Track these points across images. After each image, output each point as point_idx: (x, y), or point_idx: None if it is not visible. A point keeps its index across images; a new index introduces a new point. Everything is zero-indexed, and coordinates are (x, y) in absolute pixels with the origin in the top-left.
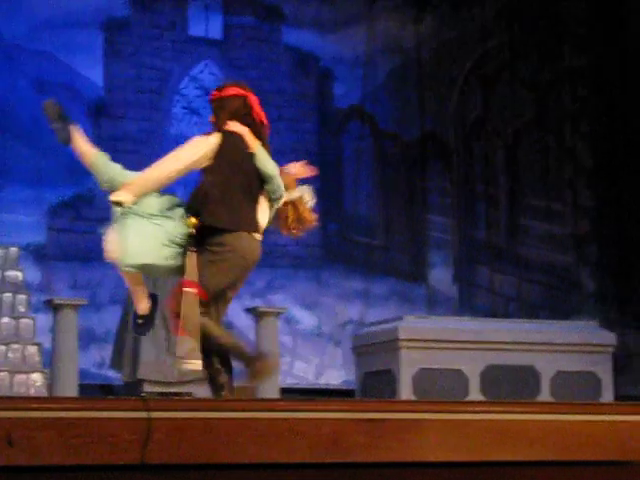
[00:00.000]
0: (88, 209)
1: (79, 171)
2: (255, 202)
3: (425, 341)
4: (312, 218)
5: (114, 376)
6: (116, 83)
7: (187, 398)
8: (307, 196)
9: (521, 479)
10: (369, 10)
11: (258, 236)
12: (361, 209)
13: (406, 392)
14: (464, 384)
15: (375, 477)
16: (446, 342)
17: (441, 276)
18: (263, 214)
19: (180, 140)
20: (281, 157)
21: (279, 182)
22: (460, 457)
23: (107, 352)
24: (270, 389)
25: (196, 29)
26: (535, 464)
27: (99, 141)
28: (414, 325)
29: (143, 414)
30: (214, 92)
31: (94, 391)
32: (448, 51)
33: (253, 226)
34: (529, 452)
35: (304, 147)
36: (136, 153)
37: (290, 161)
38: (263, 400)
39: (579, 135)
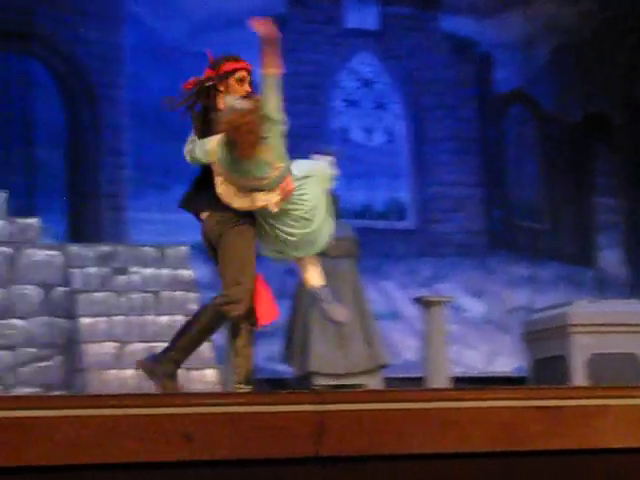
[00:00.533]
0: None
1: None
2: (200, 183)
3: (596, 325)
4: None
5: (284, 370)
6: None
7: (359, 390)
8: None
9: None
10: None
11: (203, 214)
12: (525, 194)
13: (578, 378)
14: (638, 368)
15: (553, 465)
16: (618, 326)
17: (611, 258)
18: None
19: (340, 134)
20: (441, 144)
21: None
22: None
23: (276, 346)
24: (440, 378)
25: (352, 21)
26: None
27: None
28: (585, 309)
29: (317, 407)
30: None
31: (265, 385)
32: (610, 29)
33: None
34: None
35: (465, 134)
36: (297, 149)
37: (451, 149)
38: (435, 390)
39: None
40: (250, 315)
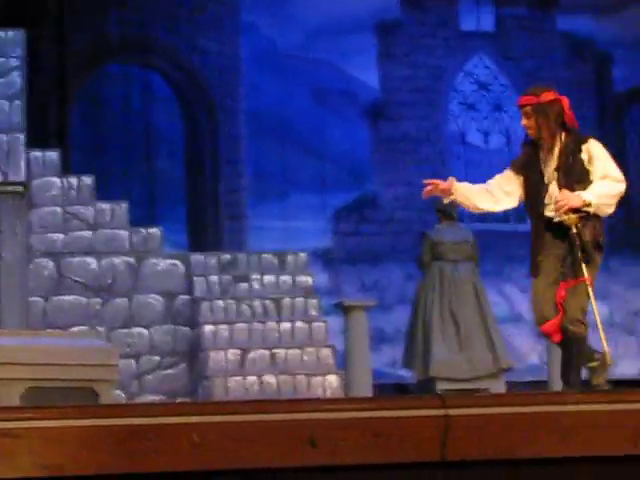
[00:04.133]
0: (372, 211)
1: (359, 175)
2: None
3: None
4: None
5: (407, 375)
6: (392, 84)
7: (484, 394)
8: None
9: None
10: None
11: None
12: None
13: None
14: None
15: None
16: None
17: None
18: None
19: (458, 137)
20: None
21: None
22: None
23: (398, 351)
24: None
25: (468, 24)
26: None
27: (378, 143)
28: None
29: (441, 411)
30: (529, 97)
31: (388, 390)
32: None
33: None
34: None
35: (584, 134)
36: (415, 152)
37: None
38: (559, 393)
39: None
40: None
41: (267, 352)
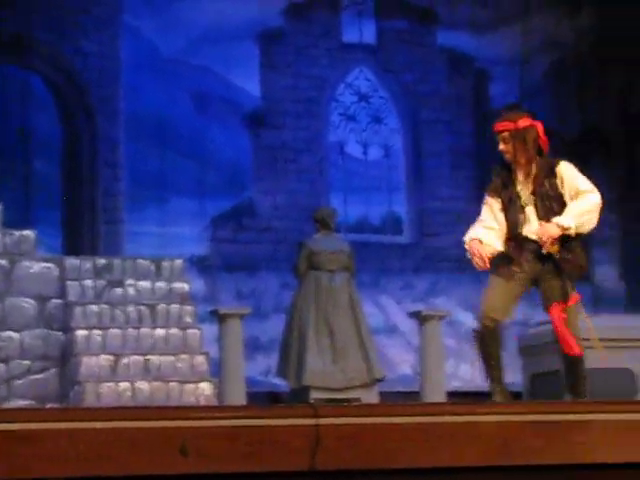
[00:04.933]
0: (250, 219)
1: (239, 183)
2: None
3: (592, 340)
4: None
5: (280, 384)
6: (273, 93)
7: (356, 404)
8: None
9: None
10: (524, 8)
11: None
12: None
13: None
14: (633, 383)
15: None
16: (614, 341)
17: (606, 273)
18: None
19: (337, 148)
20: (439, 159)
21: None
22: (634, 458)
23: (273, 360)
24: (436, 393)
25: (350, 36)
26: None
27: (258, 151)
28: (580, 324)
29: (312, 421)
30: (506, 122)
31: (261, 399)
32: (607, 44)
33: None
34: None
35: (462, 149)
36: (295, 162)
37: (447, 163)
38: (432, 404)
39: None
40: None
41: (140, 358)
